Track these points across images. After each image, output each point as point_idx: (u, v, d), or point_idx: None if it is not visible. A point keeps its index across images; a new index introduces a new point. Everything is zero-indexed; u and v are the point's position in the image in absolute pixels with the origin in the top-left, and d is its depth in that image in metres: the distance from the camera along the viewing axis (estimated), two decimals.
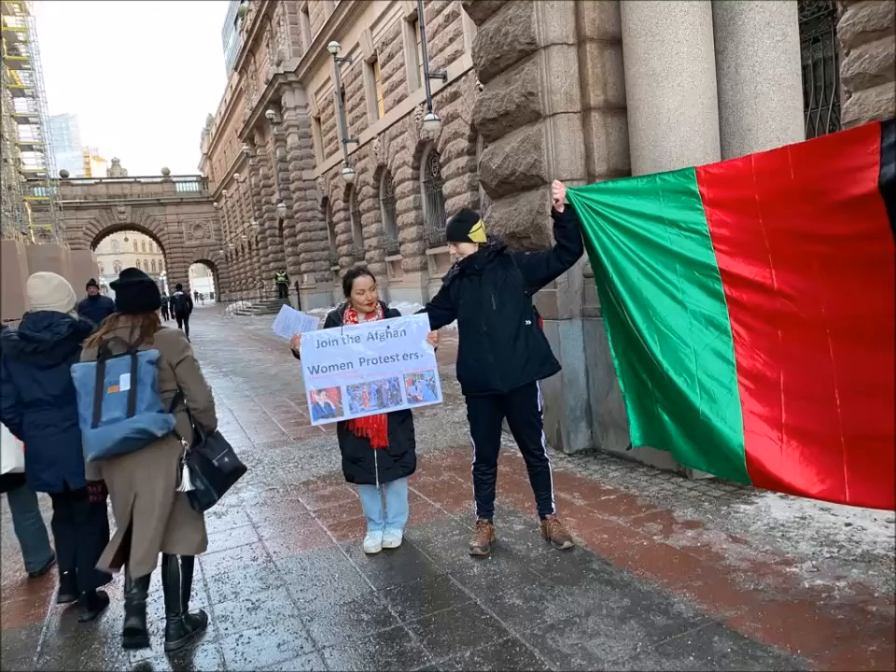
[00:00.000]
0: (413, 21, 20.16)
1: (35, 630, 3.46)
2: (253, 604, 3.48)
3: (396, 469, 3.90)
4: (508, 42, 5.62)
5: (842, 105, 7.60)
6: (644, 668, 2.63)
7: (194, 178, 66.58)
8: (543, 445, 3.85)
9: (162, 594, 3.25)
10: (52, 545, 3.92)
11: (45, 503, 3.98)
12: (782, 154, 2.85)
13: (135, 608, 3.09)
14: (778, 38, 4.71)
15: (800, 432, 2.91)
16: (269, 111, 33.46)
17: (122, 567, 3.16)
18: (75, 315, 3.66)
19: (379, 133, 23.62)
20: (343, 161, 25.88)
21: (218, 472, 3.19)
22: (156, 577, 3.23)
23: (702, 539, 3.71)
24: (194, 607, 3.40)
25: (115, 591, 3.72)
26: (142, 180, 61.87)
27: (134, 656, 3.12)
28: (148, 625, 3.22)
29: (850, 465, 2.77)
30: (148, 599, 3.23)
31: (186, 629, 3.17)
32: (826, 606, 2.94)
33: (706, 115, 4.75)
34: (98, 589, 3.62)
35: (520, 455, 4.02)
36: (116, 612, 3.53)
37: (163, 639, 3.15)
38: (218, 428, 3.37)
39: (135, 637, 3.05)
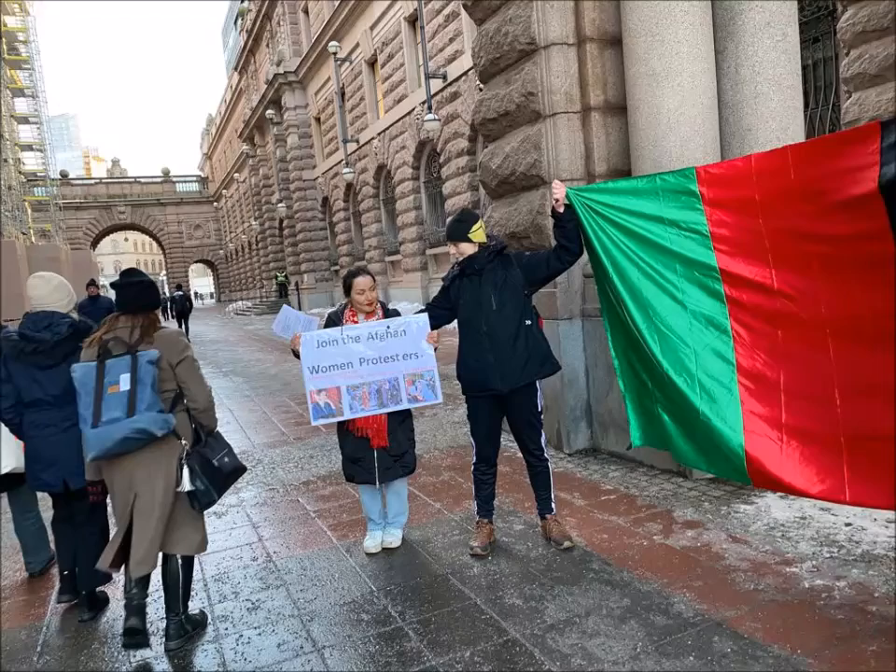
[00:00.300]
0: (413, 21, 20.16)
1: (35, 630, 3.46)
2: (253, 604, 3.48)
3: (396, 469, 3.90)
4: (508, 42, 5.62)
5: (842, 105, 7.60)
6: (644, 668, 2.63)
7: (194, 178, 66.60)
8: (543, 445, 3.85)
9: (162, 594, 3.25)
10: (52, 545, 3.92)
11: (45, 503, 3.98)
12: (782, 154, 2.85)
13: (135, 608, 3.09)
14: (778, 38, 4.71)
15: (800, 432, 2.91)
16: (269, 111, 33.47)
17: (122, 567, 3.17)
18: (75, 315, 3.66)
19: (379, 133, 23.62)
20: (343, 161, 25.89)
21: (218, 472, 3.19)
22: (156, 577, 3.23)
23: (702, 539, 3.71)
24: (194, 607, 3.41)
25: (115, 591, 3.72)
26: (142, 180, 61.89)
27: (134, 656, 3.12)
28: (148, 625, 3.22)
29: (850, 465, 2.77)
30: (148, 599, 3.23)
31: (186, 629, 3.17)
32: (826, 606, 2.94)
33: (706, 115, 4.75)
34: (98, 589, 3.62)
35: (520, 455, 4.02)
36: (116, 612, 3.53)
37: (163, 639, 3.15)
38: (218, 428, 3.37)
39: (135, 636, 3.05)
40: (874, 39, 6.66)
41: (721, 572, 3.32)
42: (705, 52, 4.75)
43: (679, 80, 4.70)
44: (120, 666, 3.06)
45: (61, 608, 3.66)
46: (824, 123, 9.12)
